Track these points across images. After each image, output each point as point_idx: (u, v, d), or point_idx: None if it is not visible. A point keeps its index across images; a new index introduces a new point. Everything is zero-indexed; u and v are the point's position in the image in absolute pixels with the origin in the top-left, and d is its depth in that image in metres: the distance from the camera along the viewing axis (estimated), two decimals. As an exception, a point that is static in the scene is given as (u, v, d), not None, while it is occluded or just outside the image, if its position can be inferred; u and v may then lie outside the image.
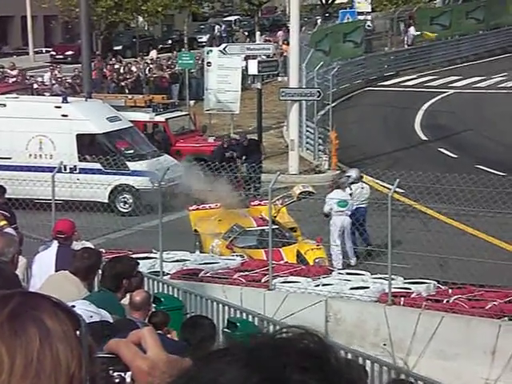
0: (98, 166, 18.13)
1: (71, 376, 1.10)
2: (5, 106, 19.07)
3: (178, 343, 5.30)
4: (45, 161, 18.37)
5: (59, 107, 18.86)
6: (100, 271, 6.70)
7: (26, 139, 18.60)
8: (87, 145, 18.71)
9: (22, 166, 18.11)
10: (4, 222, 8.81)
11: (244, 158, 19.86)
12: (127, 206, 18.47)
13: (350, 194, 15.28)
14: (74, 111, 18.90)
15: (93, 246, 11.96)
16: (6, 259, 5.32)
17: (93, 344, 1.16)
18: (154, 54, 36.15)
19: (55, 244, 8.23)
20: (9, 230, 8.46)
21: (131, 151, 19.11)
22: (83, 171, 18.11)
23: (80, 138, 18.68)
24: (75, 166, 18.12)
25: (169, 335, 5.02)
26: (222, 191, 15.45)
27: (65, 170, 14.88)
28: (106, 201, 18.00)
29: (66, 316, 1.15)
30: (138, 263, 6.89)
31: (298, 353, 0.93)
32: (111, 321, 4.87)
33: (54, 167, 14.58)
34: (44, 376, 1.09)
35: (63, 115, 18.74)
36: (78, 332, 1.14)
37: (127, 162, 18.57)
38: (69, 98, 19.87)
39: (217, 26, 49.65)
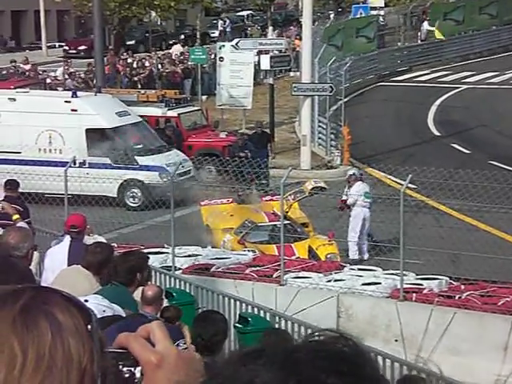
0: (107, 160, 18.16)
1: (83, 370, 1.11)
2: (15, 100, 19.12)
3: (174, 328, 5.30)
4: (54, 155, 18.41)
5: (69, 102, 18.89)
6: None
7: (36, 134, 18.64)
8: (96, 139, 18.71)
9: (32, 161, 18.16)
10: (17, 216, 8.85)
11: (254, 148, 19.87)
12: (136, 200, 18.49)
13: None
14: (83, 106, 18.93)
15: (105, 241, 12.01)
16: (21, 254, 5.34)
17: (104, 338, 1.17)
18: (177, 48, 35.80)
19: (67, 238, 8.26)
20: (21, 224, 8.49)
21: (140, 146, 19.12)
22: (92, 166, 18.14)
23: (89, 132, 18.70)
24: (84, 160, 18.16)
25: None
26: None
27: (74, 164, 14.94)
28: (115, 195, 18.03)
29: (77, 310, 1.15)
30: (149, 257, 6.90)
31: (334, 357, 0.93)
32: (124, 315, 4.88)
33: (64, 162, 14.60)
34: (56, 370, 1.09)
35: (73, 110, 18.77)
36: (89, 326, 1.14)
37: (136, 157, 18.58)
38: (78, 93, 19.91)
39: (220, 22, 49.51)
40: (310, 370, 0.91)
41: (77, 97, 19.16)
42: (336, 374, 0.91)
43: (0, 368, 1.08)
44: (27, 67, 30.47)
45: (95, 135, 18.75)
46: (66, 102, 18.89)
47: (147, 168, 18.49)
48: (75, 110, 18.77)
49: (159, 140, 19.74)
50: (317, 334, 0.97)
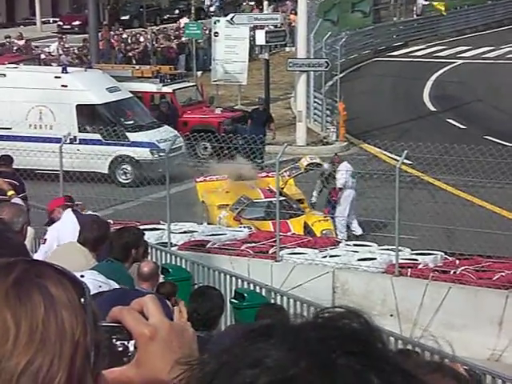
0: (97, 136, 18.09)
1: (76, 343, 1.11)
2: (5, 75, 18.99)
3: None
4: (45, 131, 18.34)
5: (59, 77, 18.77)
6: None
7: (26, 109, 18.54)
8: (87, 115, 18.65)
9: (22, 137, 18.09)
10: (12, 192, 8.82)
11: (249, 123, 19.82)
12: (127, 176, 18.46)
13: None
14: (73, 81, 18.81)
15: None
16: (16, 229, 5.33)
17: (97, 311, 1.17)
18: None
19: (68, 212, 8.22)
20: (16, 199, 8.47)
21: (131, 122, 19.04)
22: (83, 142, 18.05)
23: (80, 108, 18.62)
24: (75, 136, 18.09)
25: (176, 307, 5.06)
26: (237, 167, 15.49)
27: (65, 140, 14.89)
28: (106, 172, 17.99)
29: (71, 284, 1.15)
30: (144, 233, 6.91)
31: (345, 336, 0.92)
32: (119, 291, 4.89)
33: (55, 138, 14.48)
34: (49, 343, 1.09)
35: (63, 85, 18.65)
36: (82, 299, 1.14)
37: (127, 133, 18.50)
38: (69, 68, 19.78)
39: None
40: (321, 352, 0.90)
41: (67, 72, 19.03)
42: (347, 354, 0.90)
43: None
44: (21, 43, 30.29)
45: (86, 111, 18.68)
46: (56, 77, 18.77)
47: (138, 144, 18.44)
48: (65, 86, 18.66)
49: (150, 116, 19.68)
50: (327, 311, 0.96)
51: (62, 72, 19.02)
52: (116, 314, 1.30)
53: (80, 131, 18.27)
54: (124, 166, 18.49)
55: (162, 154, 17.47)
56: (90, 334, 1.12)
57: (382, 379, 0.89)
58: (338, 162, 15.06)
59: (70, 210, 8.32)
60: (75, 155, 16.59)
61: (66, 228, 7.69)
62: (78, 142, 18.05)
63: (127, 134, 18.50)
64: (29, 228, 8.25)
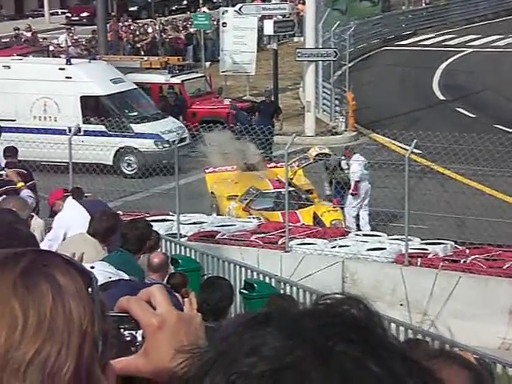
0: (102, 128, 18.13)
1: (84, 332, 1.11)
2: (9, 67, 19.00)
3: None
4: (49, 123, 18.38)
5: (63, 69, 18.79)
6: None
7: (31, 101, 18.58)
8: (91, 107, 18.68)
9: (27, 128, 18.12)
10: (22, 184, 8.82)
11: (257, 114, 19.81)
12: (131, 168, 18.50)
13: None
14: (77, 73, 18.83)
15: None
16: None
17: (104, 301, 1.17)
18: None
19: (70, 200, 8.24)
20: (26, 191, 8.49)
21: (135, 113, 19.06)
22: (87, 133, 18.08)
23: (84, 100, 18.66)
24: (79, 128, 18.17)
25: (186, 298, 5.07)
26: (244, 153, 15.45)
27: (69, 132, 14.87)
28: (111, 163, 18.02)
29: (78, 273, 1.15)
30: (152, 225, 6.93)
31: (343, 323, 0.91)
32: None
33: (59, 129, 14.44)
34: (57, 332, 1.09)
35: (67, 77, 18.67)
36: (89, 289, 1.14)
37: (131, 124, 18.51)
38: (73, 60, 19.80)
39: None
40: (318, 339, 0.89)
41: (71, 64, 19.05)
42: (345, 340, 0.89)
43: (1, 331, 1.08)
44: (29, 35, 30.32)
45: (90, 102, 18.71)
46: (60, 69, 18.79)
47: (142, 135, 18.44)
48: (69, 78, 18.68)
49: (154, 107, 19.68)
50: (326, 297, 0.95)
51: (66, 64, 19.05)
52: (123, 303, 1.30)
53: (84, 122, 18.31)
54: (128, 157, 18.53)
55: (166, 145, 17.44)
56: (97, 324, 1.12)
57: (380, 366, 0.88)
58: (349, 156, 14.86)
59: (70, 197, 8.35)
60: (78, 146, 16.65)
61: (71, 215, 7.69)
62: (82, 133, 18.09)
63: (131, 125, 18.51)
64: (39, 219, 8.29)
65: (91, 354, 1.11)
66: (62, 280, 1.12)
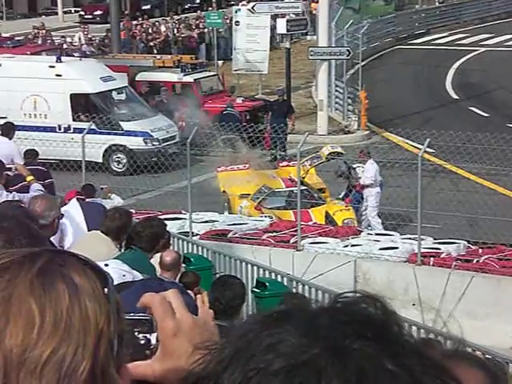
0: (92, 125, 18.29)
1: (100, 332, 1.11)
2: (0, 65, 19.11)
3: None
4: (39, 120, 18.45)
5: (53, 67, 18.88)
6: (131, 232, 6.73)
7: (21, 99, 18.67)
8: (81, 104, 18.78)
9: (18, 126, 18.23)
10: (31, 178, 8.75)
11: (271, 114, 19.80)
12: (121, 165, 18.59)
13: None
14: (67, 71, 18.92)
15: (122, 200, 12.08)
16: (46, 222, 5.33)
17: (120, 301, 1.17)
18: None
19: (74, 202, 8.29)
20: (35, 185, 8.43)
21: (125, 111, 19.15)
22: (77, 131, 18.14)
23: (74, 97, 18.77)
24: (69, 125, 18.22)
25: (199, 295, 5.08)
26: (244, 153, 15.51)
27: (59, 129, 14.96)
28: (100, 160, 18.05)
29: (94, 273, 1.15)
30: (166, 224, 6.93)
31: (359, 321, 0.92)
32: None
33: (49, 126, 14.38)
34: (73, 332, 1.10)
35: (57, 75, 18.75)
36: (105, 289, 1.15)
37: (120, 122, 18.62)
38: (63, 58, 19.91)
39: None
40: (333, 336, 0.90)
41: (61, 62, 19.15)
42: (361, 338, 0.90)
43: (18, 331, 1.09)
44: (42, 32, 30.42)
45: (80, 100, 18.83)
46: (50, 66, 18.89)
47: (131, 133, 18.51)
48: (59, 75, 18.76)
49: (145, 105, 19.81)
50: (343, 296, 0.96)
51: (56, 61, 19.13)
52: (148, 300, 1.31)
53: (74, 120, 18.41)
54: (117, 155, 18.63)
55: (155, 143, 17.60)
56: (113, 324, 1.13)
57: (396, 364, 0.88)
58: (364, 160, 14.64)
59: (75, 199, 8.39)
60: (69, 144, 16.69)
61: (69, 216, 7.74)
62: (72, 130, 18.16)
63: (121, 123, 18.63)
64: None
65: (107, 353, 1.11)
66: (78, 280, 1.13)
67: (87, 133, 14.57)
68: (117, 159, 18.65)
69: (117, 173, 18.13)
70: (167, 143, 17.99)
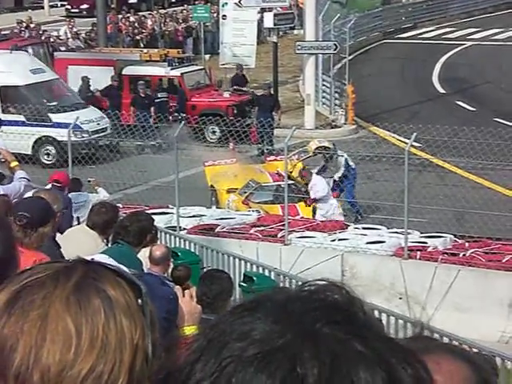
0: (21, 117, 18.22)
1: (135, 347, 1.11)
2: None
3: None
4: None
5: None
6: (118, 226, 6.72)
7: None
8: (10, 97, 18.83)
9: None
10: (15, 163, 8.60)
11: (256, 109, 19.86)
12: (50, 157, 18.67)
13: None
14: None
15: (108, 194, 12.03)
16: None
17: (153, 310, 1.17)
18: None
19: (49, 187, 8.25)
20: (20, 172, 8.25)
21: (54, 103, 19.21)
22: (7, 123, 18.10)
23: (3, 89, 18.86)
24: None
25: (187, 290, 5.07)
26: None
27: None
28: (30, 152, 18.07)
29: (128, 285, 1.16)
30: (153, 219, 6.92)
31: (328, 307, 0.94)
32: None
33: None
34: (109, 349, 1.10)
35: None
36: (139, 301, 1.15)
37: (50, 114, 18.71)
38: None
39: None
40: (305, 322, 0.92)
41: None
42: (330, 323, 0.92)
43: (55, 349, 1.09)
44: (31, 26, 30.25)
45: (9, 92, 18.89)
46: None
47: (60, 125, 18.47)
48: None
49: (77, 97, 19.95)
50: (310, 284, 0.98)
51: None
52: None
53: (4, 112, 18.41)
54: (47, 147, 18.65)
55: (84, 135, 17.73)
56: (148, 337, 1.13)
57: (364, 346, 0.91)
58: (307, 177, 14.11)
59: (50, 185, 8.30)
60: None
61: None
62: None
63: (50, 115, 18.72)
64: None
65: (142, 367, 1.12)
66: (112, 294, 1.13)
67: (16, 125, 14.61)
68: (46, 151, 18.76)
69: (46, 165, 18.17)
70: (97, 135, 18.05)
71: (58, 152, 18.12)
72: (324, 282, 0.98)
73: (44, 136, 18.59)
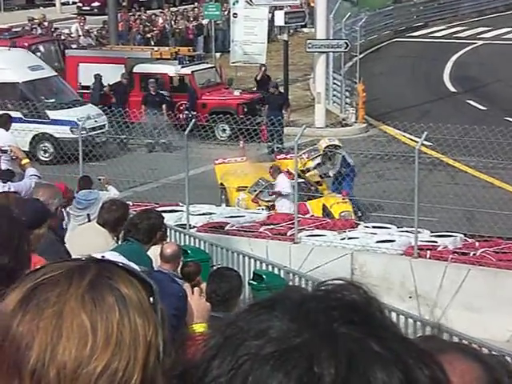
0: (18, 114, 18.27)
1: (148, 344, 1.13)
2: None
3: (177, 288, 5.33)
4: None
5: None
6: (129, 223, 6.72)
7: None
8: (8, 93, 18.87)
9: None
10: (27, 161, 8.61)
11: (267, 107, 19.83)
12: (47, 154, 18.70)
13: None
14: None
15: (117, 192, 12.04)
16: (51, 210, 5.33)
17: (164, 308, 1.19)
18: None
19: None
20: (30, 169, 8.27)
21: (52, 100, 19.26)
22: None
23: (1, 86, 18.90)
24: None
25: (197, 287, 5.08)
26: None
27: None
28: (27, 149, 18.03)
29: (140, 283, 1.17)
30: (164, 216, 6.94)
31: (345, 306, 0.94)
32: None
33: None
34: (124, 346, 1.11)
35: None
36: (151, 299, 1.16)
37: (47, 111, 18.76)
38: None
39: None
40: (321, 321, 0.92)
41: None
42: (347, 323, 0.92)
43: (71, 346, 1.10)
44: (45, 24, 30.34)
45: (6, 89, 18.91)
46: None
47: (58, 122, 18.56)
48: None
49: (74, 94, 19.99)
50: (327, 283, 0.98)
51: None
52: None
53: (2, 109, 18.49)
54: (44, 144, 18.68)
55: (82, 132, 17.84)
56: (160, 335, 1.15)
57: (381, 346, 0.91)
58: (273, 176, 14.07)
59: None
60: None
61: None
62: None
63: (47, 111, 18.76)
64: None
65: (155, 364, 1.13)
66: (126, 292, 1.14)
67: (14, 121, 14.63)
68: (43, 148, 18.81)
69: (43, 161, 18.17)
70: (95, 132, 18.09)
71: (56, 149, 18.15)
72: (341, 282, 0.97)
73: (41, 133, 18.65)
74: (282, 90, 21.43)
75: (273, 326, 0.92)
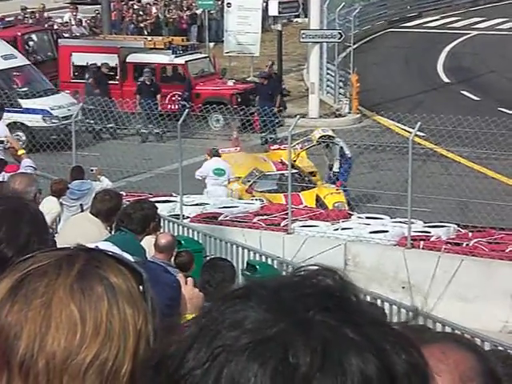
0: None
1: (138, 333, 1.13)
2: None
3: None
4: None
5: None
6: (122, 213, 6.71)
7: None
8: None
9: None
10: (23, 151, 8.62)
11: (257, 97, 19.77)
12: (20, 143, 18.65)
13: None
14: None
15: (110, 183, 12.03)
16: (29, 198, 5.35)
17: (154, 297, 1.18)
18: None
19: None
20: (26, 160, 8.31)
21: (25, 89, 19.20)
22: None
23: None
24: None
25: (190, 278, 5.08)
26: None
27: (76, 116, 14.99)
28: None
29: (130, 272, 1.16)
30: (157, 207, 6.93)
31: (320, 293, 0.94)
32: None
33: None
34: (114, 335, 1.11)
35: None
36: (141, 287, 1.16)
37: (19, 100, 18.70)
38: None
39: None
40: (296, 310, 0.92)
41: None
42: (323, 310, 0.92)
43: (60, 336, 1.10)
44: (43, 14, 30.18)
45: None
46: None
47: (30, 111, 18.50)
48: None
49: (48, 83, 19.93)
50: (302, 269, 0.97)
51: None
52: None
53: None
54: (16, 133, 18.70)
55: (54, 121, 17.73)
56: (150, 323, 1.14)
57: (356, 332, 0.90)
58: (209, 155, 14.24)
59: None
60: None
61: None
62: None
63: (20, 100, 18.70)
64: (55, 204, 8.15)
65: (145, 354, 1.13)
66: (115, 281, 1.14)
67: None
68: (16, 137, 18.76)
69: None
70: (68, 121, 18.12)
71: (28, 137, 18.07)
72: (316, 267, 0.96)
73: (13, 122, 18.53)
74: (269, 80, 21.26)
75: (248, 316, 0.91)
